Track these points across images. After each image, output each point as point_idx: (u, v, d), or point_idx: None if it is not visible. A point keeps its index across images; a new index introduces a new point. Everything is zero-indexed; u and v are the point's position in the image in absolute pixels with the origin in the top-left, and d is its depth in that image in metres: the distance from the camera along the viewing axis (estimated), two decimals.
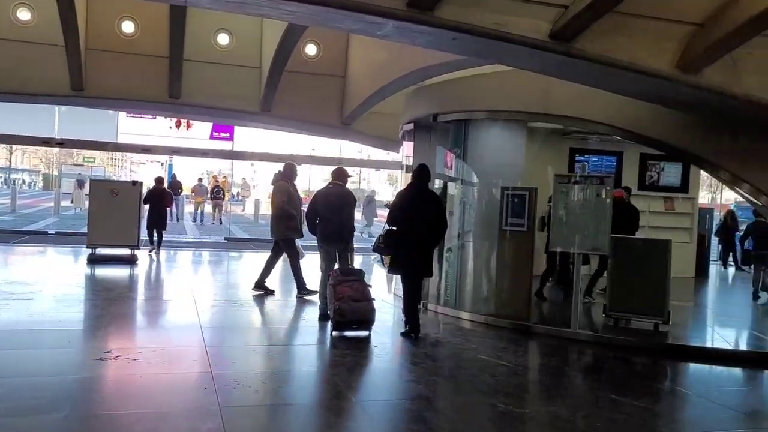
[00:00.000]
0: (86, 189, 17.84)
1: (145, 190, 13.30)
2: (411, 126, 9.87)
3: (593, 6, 4.90)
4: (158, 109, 15.16)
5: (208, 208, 26.38)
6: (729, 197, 21.19)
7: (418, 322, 7.27)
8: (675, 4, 5.43)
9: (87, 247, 12.08)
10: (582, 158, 12.59)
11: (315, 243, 8.03)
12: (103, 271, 11.12)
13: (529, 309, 8.11)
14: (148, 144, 19.17)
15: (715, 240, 15.79)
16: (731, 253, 16.28)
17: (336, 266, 7.73)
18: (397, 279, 8.99)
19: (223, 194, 26.41)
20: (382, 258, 10.77)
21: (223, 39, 12.88)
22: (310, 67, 13.01)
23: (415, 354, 6.61)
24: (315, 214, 7.87)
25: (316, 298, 8.24)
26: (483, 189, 8.91)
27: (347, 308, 6.99)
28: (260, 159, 23.56)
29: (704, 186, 24.07)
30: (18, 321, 7.20)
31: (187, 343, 6.51)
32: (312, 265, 8.99)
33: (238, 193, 38.50)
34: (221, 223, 24.63)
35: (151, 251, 13.50)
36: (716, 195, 26.60)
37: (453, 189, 9.30)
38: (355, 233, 8.26)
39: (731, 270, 16.16)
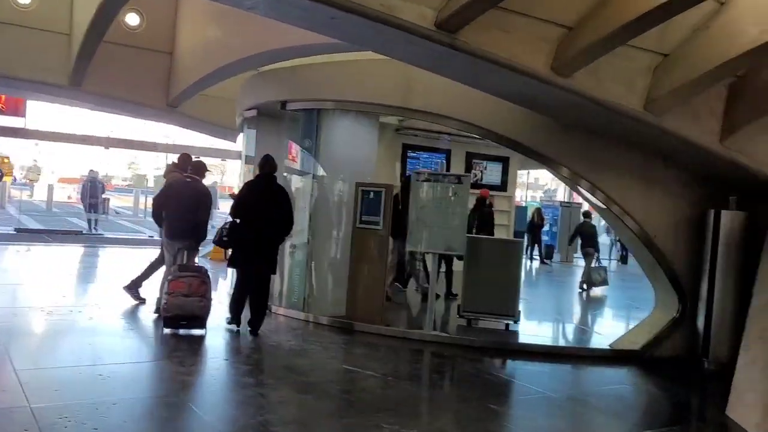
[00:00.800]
0: None
1: None
2: (254, 113, 9.08)
3: None
4: None
5: None
6: (535, 195, 23.02)
7: (262, 320, 6.96)
8: (547, 3, 5.37)
9: None
10: (414, 154, 12.73)
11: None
12: None
13: (382, 311, 7.78)
14: None
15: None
16: (537, 247, 17.58)
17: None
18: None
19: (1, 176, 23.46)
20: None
21: None
22: (133, 39, 11.49)
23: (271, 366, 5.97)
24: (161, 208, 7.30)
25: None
26: (335, 184, 8.41)
27: (174, 303, 6.52)
28: (56, 140, 20.87)
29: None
30: None
31: None
32: None
33: (24, 176, 34.14)
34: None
35: None
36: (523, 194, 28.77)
37: (300, 182, 8.70)
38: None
39: (536, 263, 17.42)
